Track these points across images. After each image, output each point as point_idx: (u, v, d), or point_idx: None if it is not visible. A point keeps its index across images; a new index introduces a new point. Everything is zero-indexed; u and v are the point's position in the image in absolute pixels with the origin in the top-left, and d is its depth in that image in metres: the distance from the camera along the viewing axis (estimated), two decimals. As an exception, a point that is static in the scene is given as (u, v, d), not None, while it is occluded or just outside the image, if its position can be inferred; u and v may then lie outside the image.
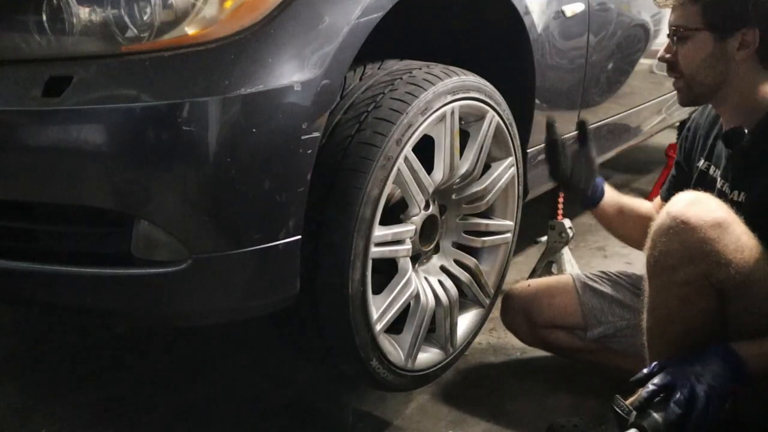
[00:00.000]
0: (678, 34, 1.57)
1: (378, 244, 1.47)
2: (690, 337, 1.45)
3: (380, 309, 1.51)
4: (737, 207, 1.50)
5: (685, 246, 1.38)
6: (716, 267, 1.37)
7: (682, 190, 1.63)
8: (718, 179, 1.64)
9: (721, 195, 1.59)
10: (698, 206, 1.39)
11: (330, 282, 1.41)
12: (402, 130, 1.45)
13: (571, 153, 1.85)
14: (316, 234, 1.39)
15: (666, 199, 1.83)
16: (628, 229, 1.89)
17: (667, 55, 1.61)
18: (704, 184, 1.66)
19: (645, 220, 1.76)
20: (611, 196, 1.89)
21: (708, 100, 1.64)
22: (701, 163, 1.72)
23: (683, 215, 1.38)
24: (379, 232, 1.46)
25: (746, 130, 1.57)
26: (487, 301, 1.84)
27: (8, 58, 1.31)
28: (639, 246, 1.83)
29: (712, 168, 1.68)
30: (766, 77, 1.57)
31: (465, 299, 1.81)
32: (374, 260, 1.47)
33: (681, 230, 1.37)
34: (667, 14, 1.65)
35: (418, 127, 1.49)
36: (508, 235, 1.87)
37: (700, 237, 1.36)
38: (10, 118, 1.27)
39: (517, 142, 1.82)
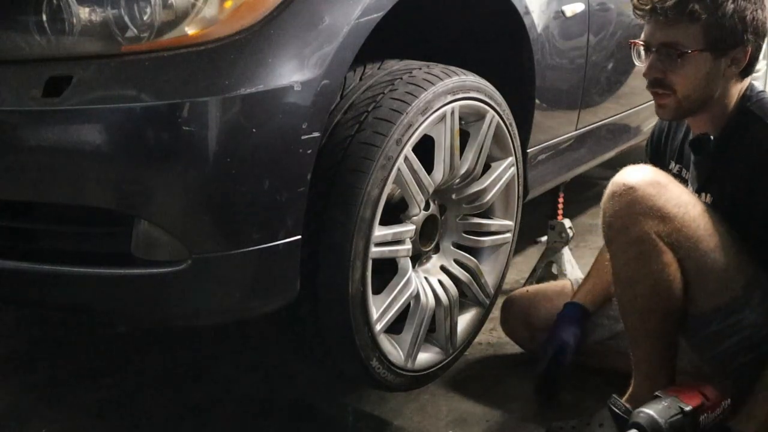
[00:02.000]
0: (672, 53, 1.52)
1: (378, 244, 1.47)
2: (657, 299, 1.50)
3: (380, 309, 1.51)
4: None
5: (629, 205, 1.48)
6: (661, 222, 1.47)
7: None
8: (689, 183, 1.66)
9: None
10: (638, 172, 1.51)
11: (330, 282, 1.41)
12: (402, 130, 1.45)
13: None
14: (316, 234, 1.39)
15: None
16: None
17: (658, 75, 1.54)
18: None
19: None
20: (587, 301, 1.83)
21: (693, 115, 1.61)
22: (673, 166, 1.74)
23: (624, 179, 1.50)
24: (379, 232, 1.46)
25: (711, 137, 1.59)
26: (487, 301, 1.84)
27: (8, 58, 1.31)
28: None
29: (684, 171, 1.69)
30: (738, 86, 1.58)
31: (465, 299, 1.80)
32: (374, 260, 1.47)
33: (623, 192, 1.49)
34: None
35: (418, 127, 1.48)
36: (508, 235, 1.87)
37: (640, 194, 1.47)
38: (10, 118, 1.27)
39: (518, 142, 1.82)
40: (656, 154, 1.83)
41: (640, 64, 1.60)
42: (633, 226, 1.47)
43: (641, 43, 1.58)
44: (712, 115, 1.59)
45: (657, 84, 1.56)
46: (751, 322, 1.53)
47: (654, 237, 1.47)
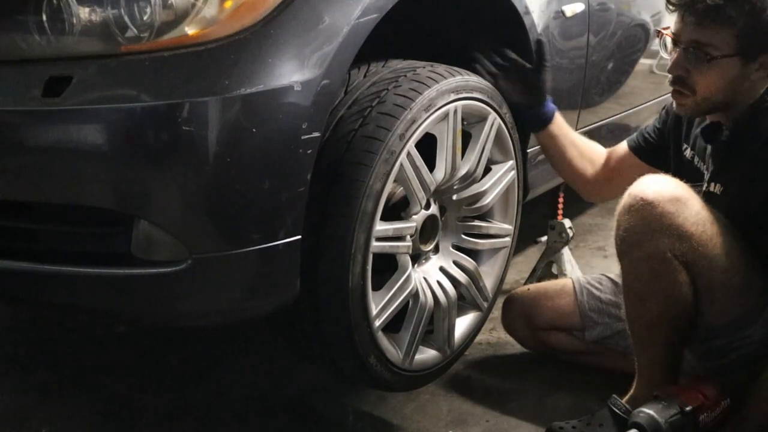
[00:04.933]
0: (701, 55, 1.49)
1: (379, 239, 1.47)
2: (667, 315, 1.49)
3: (379, 305, 1.51)
4: (713, 198, 1.52)
5: (646, 221, 1.45)
6: (678, 240, 1.44)
7: (655, 151, 1.76)
8: (705, 173, 1.65)
9: (708, 191, 1.61)
10: (657, 185, 1.47)
11: (330, 275, 1.41)
12: (405, 126, 1.45)
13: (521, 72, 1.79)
14: (317, 227, 1.39)
15: (634, 147, 1.86)
16: (573, 162, 1.88)
17: (681, 73, 1.53)
18: (692, 174, 1.67)
19: (593, 158, 1.88)
20: (562, 122, 1.86)
21: (712, 114, 1.60)
22: (688, 152, 1.72)
23: (642, 193, 1.46)
24: (381, 227, 1.46)
25: (724, 126, 1.58)
26: (485, 305, 1.84)
27: (8, 58, 1.31)
28: (578, 183, 1.92)
29: (697, 159, 1.69)
30: (764, 86, 1.56)
31: (463, 302, 1.80)
32: (374, 258, 1.46)
33: (641, 207, 1.45)
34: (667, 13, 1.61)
35: (422, 123, 1.49)
36: (508, 239, 1.86)
37: (659, 211, 1.44)
38: (10, 118, 1.27)
39: (518, 145, 1.82)
40: (668, 128, 1.79)
41: (666, 56, 1.59)
42: (648, 243, 1.45)
43: (671, 34, 1.56)
44: (731, 111, 1.58)
45: (679, 82, 1.55)
46: (758, 338, 1.53)
47: (669, 255, 1.45)
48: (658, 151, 1.81)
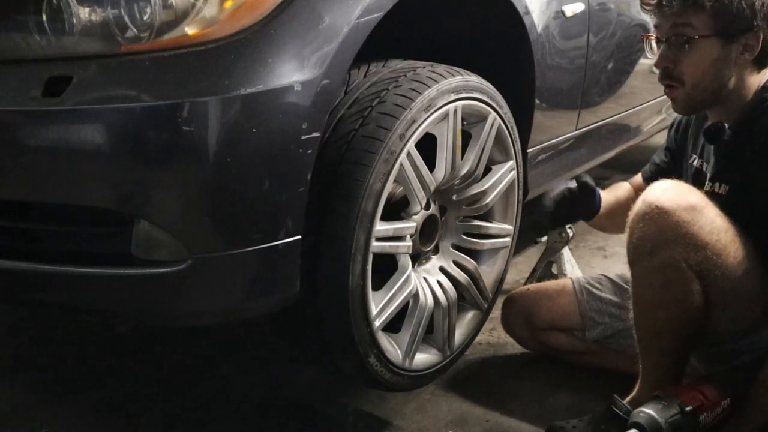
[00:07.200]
0: (681, 39, 1.52)
1: (379, 239, 1.47)
2: (677, 323, 1.48)
3: (379, 305, 1.51)
4: (718, 199, 1.52)
5: (660, 230, 1.42)
6: (693, 249, 1.42)
7: (665, 175, 1.70)
8: (708, 173, 1.65)
9: (712, 191, 1.61)
10: (672, 192, 1.45)
11: (330, 275, 1.41)
12: (405, 126, 1.45)
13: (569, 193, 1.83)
14: (317, 227, 1.39)
15: (647, 178, 1.87)
16: (617, 221, 1.86)
17: (668, 64, 1.55)
18: (699, 181, 1.67)
19: (629, 205, 1.84)
20: (605, 196, 1.89)
21: (708, 106, 1.61)
22: (696, 161, 1.73)
23: (658, 201, 1.43)
24: (381, 226, 1.46)
25: (726, 125, 1.58)
26: (485, 305, 1.84)
27: (8, 58, 1.31)
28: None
29: (705, 165, 1.69)
30: (755, 77, 1.58)
31: (463, 302, 1.80)
32: (373, 258, 1.46)
33: (656, 215, 1.42)
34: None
35: (422, 123, 1.49)
36: (508, 239, 1.87)
37: (674, 220, 1.41)
38: (10, 118, 1.27)
39: (518, 145, 1.82)
40: (677, 145, 1.81)
41: (653, 57, 1.61)
42: (661, 252, 1.43)
43: (653, 36, 1.59)
44: (728, 107, 1.59)
45: (667, 75, 1.57)
46: (767, 342, 1.52)
47: (683, 265, 1.43)
48: (672, 175, 1.78)
